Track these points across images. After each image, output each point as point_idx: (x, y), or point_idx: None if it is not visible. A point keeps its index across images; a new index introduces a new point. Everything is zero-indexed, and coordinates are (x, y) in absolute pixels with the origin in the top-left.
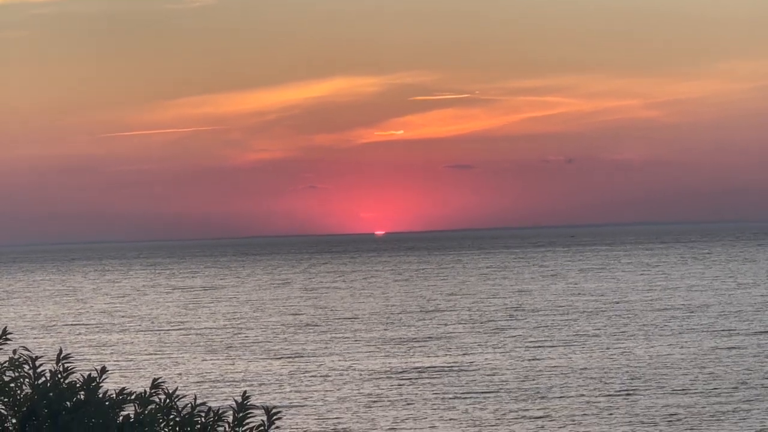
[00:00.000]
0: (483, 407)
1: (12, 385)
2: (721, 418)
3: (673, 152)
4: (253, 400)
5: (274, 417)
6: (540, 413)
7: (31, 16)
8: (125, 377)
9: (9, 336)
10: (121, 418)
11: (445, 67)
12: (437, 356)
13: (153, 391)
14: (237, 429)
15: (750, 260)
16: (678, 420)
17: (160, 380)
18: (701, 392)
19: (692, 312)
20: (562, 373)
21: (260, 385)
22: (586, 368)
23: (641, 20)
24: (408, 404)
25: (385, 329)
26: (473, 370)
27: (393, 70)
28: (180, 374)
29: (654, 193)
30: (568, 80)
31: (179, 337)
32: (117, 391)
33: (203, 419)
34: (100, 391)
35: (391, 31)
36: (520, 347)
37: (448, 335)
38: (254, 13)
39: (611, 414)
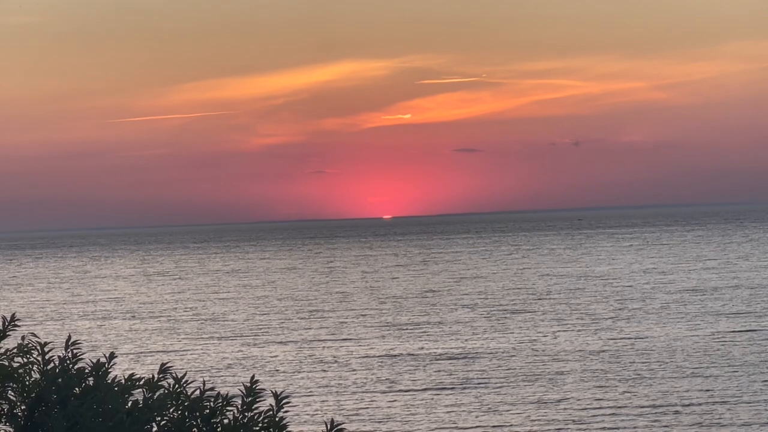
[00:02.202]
0: (495, 392)
1: (21, 371)
2: (738, 402)
3: (681, 134)
4: (262, 385)
5: (283, 402)
6: (553, 398)
7: (39, 1)
8: (134, 363)
9: (17, 322)
10: (129, 403)
11: (452, 51)
12: (447, 341)
13: (161, 376)
14: (246, 413)
15: (761, 241)
16: (694, 404)
17: (168, 365)
18: (717, 376)
19: (705, 294)
20: (574, 358)
21: (269, 370)
22: (598, 352)
23: (648, 2)
24: (418, 390)
25: (393, 314)
26: (484, 355)
27: (400, 54)
28: (188, 359)
29: (662, 175)
30: (576, 63)
31: (187, 323)
32: (126, 376)
33: (212, 404)
34: (108, 376)
35: (398, 14)
36: (530, 331)
37: (457, 320)
38: None
39: (625, 398)
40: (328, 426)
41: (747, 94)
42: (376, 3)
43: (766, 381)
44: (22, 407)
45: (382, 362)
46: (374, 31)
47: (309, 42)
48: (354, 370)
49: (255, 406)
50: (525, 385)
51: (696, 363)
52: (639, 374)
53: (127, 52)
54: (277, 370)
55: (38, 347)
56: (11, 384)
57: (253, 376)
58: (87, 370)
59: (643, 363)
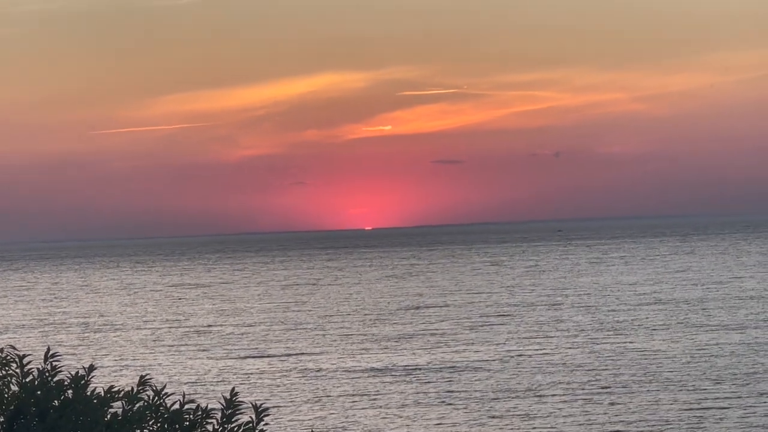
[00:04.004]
0: (479, 405)
1: None
2: (724, 415)
3: (661, 145)
4: (242, 398)
5: (263, 414)
6: (539, 411)
7: (21, 13)
8: (113, 375)
9: None
10: (109, 415)
11: (433, 62)
12: (429, 353)
13: (141, 388)
14: (225, 426)
15: (740, 252)
16: (679, 417)
17: (147, 377)
18: (702, 388)
19: (686, 306)
20: (558, 370)
21: (249, 383)
22: (581, 364)
23: (628, 14)
24: (399, 403)
25: (375, 326)
26: (467, 368)
27: (381, 66)
28: (168, 372)
29: (642, 187)
30: (556, 74)
31: (167, 335)
32: (105, 389)
33: (191, 416)
34: (88, 389)
35: (379, 26)
36: (512, 343)
37: (439, 332)
38: (242, 9)
39: (613, 410)
40: None
41: (726, 106)
42: (356, 15)
43: (751, 393)
44: (1, 419)
45: (363, 375)
46: (355, 43)
47: (289, 54)
48: (335, 383)
49: (235, 418)
50: (510, 398)
51: (681, 375)
52: (624, 387)
53: (108, 64)
54: (258, 383)
55: (17, 359)
56: None
57: (233, 389)
58: (66, 383)
59: (627, 375)
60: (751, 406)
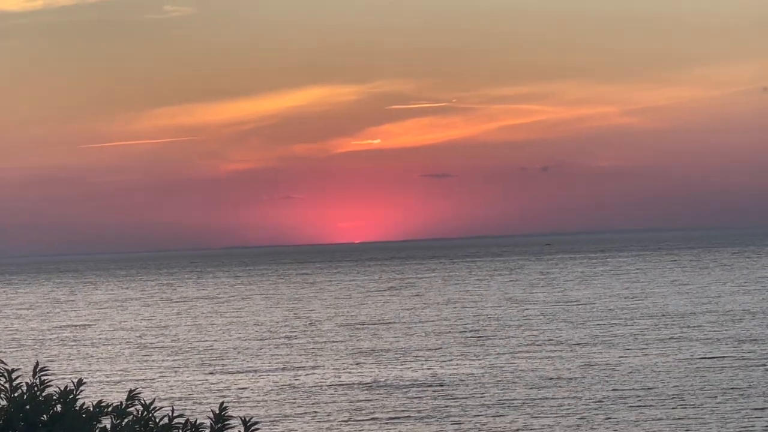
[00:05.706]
0: (468, 419)
1: None
2: (718, 430)
3: (651, 159)
4: (231, 412)
5: (252, 428)
6: (531, 425)
7: (9, 26)
8: (102, 390)
9: None
10: (98, 430)
11: (422, 76)
12: (419, 367)
13: (129, 402)
14: None
15: (733, 266)
16: (672, 430)
17: (136, 392)
18: (693, 403)
19: (678, 320)
20: (549, 384)
21: (238, 397)
22: (573, 378)
23: (617, 27)
24: (391, 417)
25: (365, 340)
26: (457, 382)
27: (370, 79)
28: (157, 386)
29: (632, 200)
30: (545, 88)
31: (156, 350)
32: (94, 403)
33: (181, 431)
34: (76, 403)
35: (367, 40)
36: (503, 357)
37: (428, 346)
38: (231, 23)
39: (606, 424)
40: None
41: (716, 119)
42: (345, 29)
43: (745, 407)
44: None
45: (352, 389)
46: (343, 57)
47: (278, 67)
48: (325, 397)
49: None
50: (500, 413)
51: (675, 389)
52: (618, 401)
53: (97, 77)
54: (247, 397)
55: (5, 374)
56: None
57: (222, 403)
58: (55, 397)
59: (621, 390)
60: (747, 423)
